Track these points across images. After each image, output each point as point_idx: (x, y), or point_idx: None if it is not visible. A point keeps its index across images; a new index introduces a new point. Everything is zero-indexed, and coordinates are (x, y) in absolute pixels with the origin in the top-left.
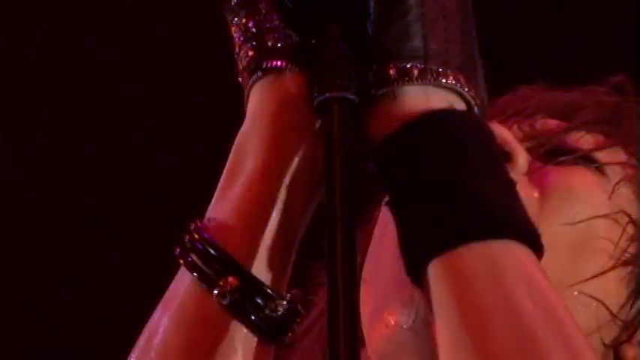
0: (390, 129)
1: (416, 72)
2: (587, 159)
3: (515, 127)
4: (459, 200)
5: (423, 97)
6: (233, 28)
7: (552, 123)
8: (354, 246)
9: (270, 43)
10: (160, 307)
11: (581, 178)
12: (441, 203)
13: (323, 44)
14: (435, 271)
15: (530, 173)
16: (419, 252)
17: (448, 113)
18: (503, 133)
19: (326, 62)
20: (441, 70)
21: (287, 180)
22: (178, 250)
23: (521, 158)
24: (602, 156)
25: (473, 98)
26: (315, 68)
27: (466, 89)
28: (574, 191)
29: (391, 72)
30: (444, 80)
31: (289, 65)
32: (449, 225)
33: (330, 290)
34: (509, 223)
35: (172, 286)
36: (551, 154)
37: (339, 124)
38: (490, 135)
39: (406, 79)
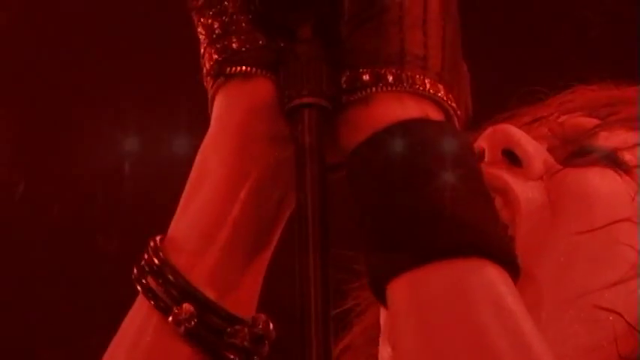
0: (360, 138)
1: (391, 78)
2: (610, 159)
3: (543, 127)
4: (424, 217)
5: (397, 105)
6: (199, 29)
7: (584, 121)
8: (327, 258)
9: (235, 46)
10: (116, 337)
11: (600, 180)
12: (404, 220)
13: (293, 47)
14: (394, 292)
15: (549, 177)
16: (381, 272)
17: (420, 123)
18: (515, 136)
19: (297, 66)
20: (418, 76)
21: (251, 196)
22: (135, 271)
23: (536, 162)
24: (629, 155)
25: (452, 107)
26: (285, 73)
27: (445, 98)
28: (592, 195)
29: (365, 77)
30: (420, 88)
31: (256, 70)
32: (411, 244)
33: (303, 305)
34: (479, 242)
35: (130, 312)
36: (575, 155)
37: (310, 131)
38: (467, 146)
39: (380, 85)
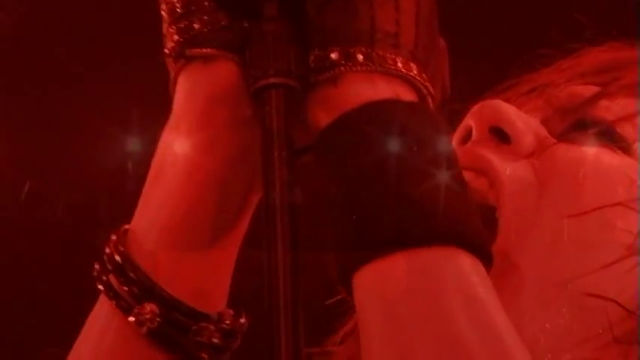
0: (328, 120)
1: (361, 57)
2: (607, 135)
3: (540, 98)
4: (391, 204)
5: (367, 85)
6: (162, 6)
7: (582, 90)
8: (295, 243)
9: (196, 27)
10: (79, 339)
11: (593, 159)
12: (370, 208)
13: (259, 26)
14: (359, 282)
15: (540, 153)
16: (346, 262)
17: (390, 104)
18: (503, 111)
19: (262, 45)
20: (389, 55)
21: (214, 187)
22: (97, 267)
23: (526, 138)
24: (630, 127)
25: (425, 87)
26: (251, 52)
27: (417, 77)
28: (583, 175)
29: (333, 56)
30: (392, 67)
31: (217, 52)
32: (377, 233)
33: (269, 286)
34: (449, 230)
35: (92, 312)
36: (571, 128)
37: (278, 113)
38: (440, 129)
39: (349, 64)
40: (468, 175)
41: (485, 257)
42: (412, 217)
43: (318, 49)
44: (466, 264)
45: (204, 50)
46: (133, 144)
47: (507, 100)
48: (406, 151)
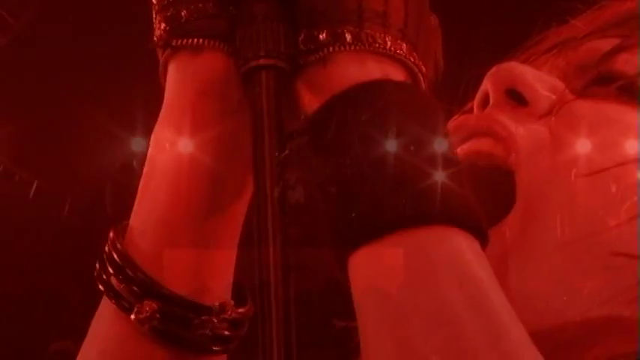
0: (318, 102)
1: (349, 37)
2: (626, 89)
3: (561, 55)
4: (385, 185)
5: (356, 65)
6: None
7: (601, 44)
8: (285, 228)
9: (183, 14)
10: (86, 341)
11: (613, 115)
12: (364, 189)
13: (249, 7)
14: (355, 265)
15: (557, 111)
16: (341, 244)
17: (380, 85)
18: (519, 74)
19: (253, 27)
20: (378, 34)
21: (208, 179)
22: (97, 266)
23: (543, 99)
24: None
25: (416, 66)
26: (241, 34)
27: (408, 56)
28: (599, 131)
29: (321, 37)
30: (381, 46)
31: (203, 42)
32: (371, 214)
33: (260, 274)
34: (443, 209)
35: (97, 312)
36: (590, 84)
37: (268, 94)
38: (431, 108)
39: (338, 44)
40: (487, 142)
41: (481, 235)
42: (404, 199)
43: (307, 30)
44: (461, 242)
45: (191, 41)
46: (139, 143)
47: (528, 60)
48: (396, 134)
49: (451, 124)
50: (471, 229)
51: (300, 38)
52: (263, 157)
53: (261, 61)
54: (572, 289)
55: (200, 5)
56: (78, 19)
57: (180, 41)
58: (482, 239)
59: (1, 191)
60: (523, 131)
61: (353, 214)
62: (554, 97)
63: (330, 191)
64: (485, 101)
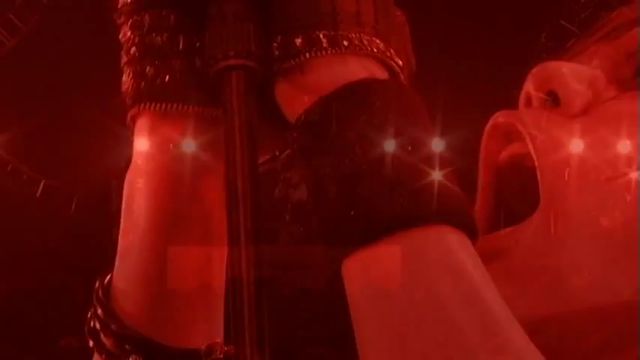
0: (305, 103)
1: (325, 41)
2: None
3: (607, 46)
4: (383, 185)
5: (338, 68)
6: (121, 34)
7: None
8: (259, 231)
9: (150, 73)
10: None
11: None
12: (362, 189)
13: (220, 7)
14: (351, 265)
15: (594, 108)
16: (338, 245)
17: (370, 83)
18: (555, 74)
19: (223, 26)
20: (353, 35)
21: (184, 232)
22: (88, 317)
23: (577, 99)
24: None
25: (394, 61)
26: (210, 34)
27: (385, 52)
28: (630, 136)
29: (297, 42)
30: (358, 47)
31: (171, 107)
32: (361, 219)
33: (232, 278)
34: (439, 209)
35: None
36: (634, 74)
37: (238, 94)
38: (416, 103)
39: (314, 49)
40: (518, 144)
41: (471, 232)
42: (401, 200)
43: (282, 36)
44: (453, 241)
45: (156, 105)
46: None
47: (581, 52)
48: (394, 134)
49: (489, 124)
50: (464, 227)
51: (275, 44)
52: (234, 157)
53: (231, 62)
54: (600, 279)
55: (166, 61)
56: (88, 19)
57: (147, 105)
58: (473, 236)
59: (10, 190)
60: (549, 132)
61: (343, 223)
62: (590, 94)
63: (328, 190)
64: (528, 101)
